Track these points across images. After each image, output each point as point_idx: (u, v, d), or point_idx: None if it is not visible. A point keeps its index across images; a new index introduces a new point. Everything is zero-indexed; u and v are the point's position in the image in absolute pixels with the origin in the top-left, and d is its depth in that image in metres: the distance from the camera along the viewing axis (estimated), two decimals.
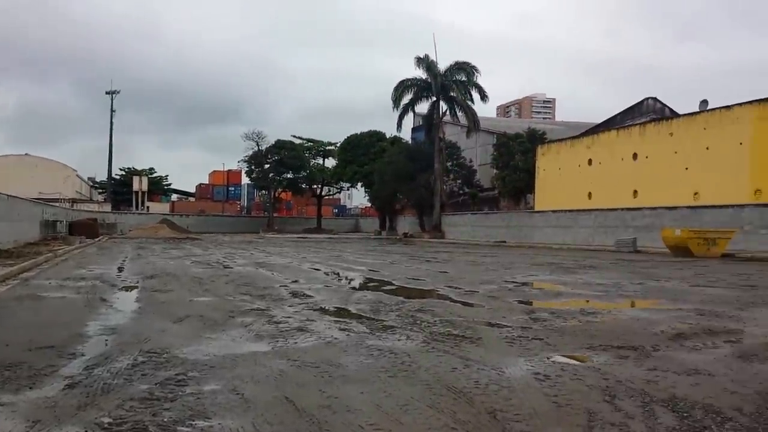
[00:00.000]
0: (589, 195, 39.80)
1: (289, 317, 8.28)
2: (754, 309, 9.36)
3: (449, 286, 12.68)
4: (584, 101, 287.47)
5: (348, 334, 7.04)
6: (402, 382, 5.03)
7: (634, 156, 36.88)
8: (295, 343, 6.57)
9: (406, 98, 53.54)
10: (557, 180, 43.08)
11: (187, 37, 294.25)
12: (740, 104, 31.00)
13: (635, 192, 36.37)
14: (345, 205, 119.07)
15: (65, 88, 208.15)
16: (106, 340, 6.79)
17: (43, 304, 9.96)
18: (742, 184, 29.93)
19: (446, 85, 52.02)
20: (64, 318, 8.44)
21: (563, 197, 41.33)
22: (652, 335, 7.08)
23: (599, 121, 49.23)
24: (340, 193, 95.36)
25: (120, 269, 17.46)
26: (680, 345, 6.55)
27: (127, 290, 11.94)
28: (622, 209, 36.00)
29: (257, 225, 76.24)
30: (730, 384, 5.02)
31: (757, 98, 30.13)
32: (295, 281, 13.71)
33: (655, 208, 33.62)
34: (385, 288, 12.49)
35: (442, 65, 52.46)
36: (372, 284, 13.45)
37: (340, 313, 8.85)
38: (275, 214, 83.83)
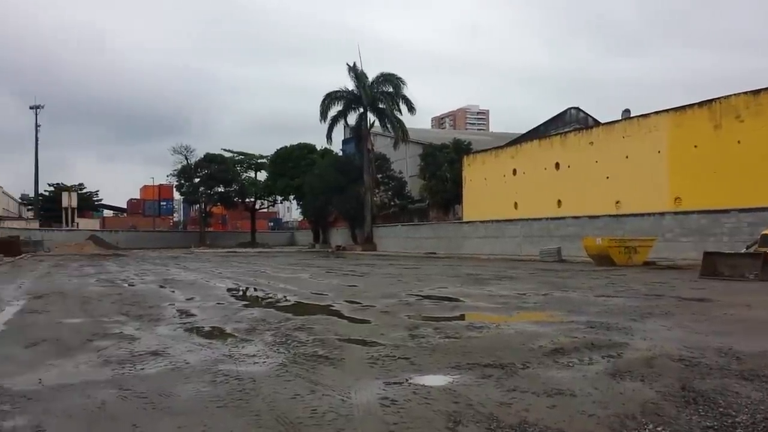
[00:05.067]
0: (515, 205, 39.94)
1: (152, 340, 7.72)
2: (648, 320, 9.15)
3: (349, 301, 12.25)
4: (521, 112, 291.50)
5: (203, 358, 6.52)
6: (230, 413, 4.56)
7: (557, 165, 37.14)
8: (141, 369, 6.05)
9: (335, 110, 53.19)
10: (484, 190, 43.17)
11: (130, 48, 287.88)
12: (657, 112, 31.45)
13: (559, 201, 36.61)
14: (281, 219, 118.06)
15: (7, 103, 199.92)
16: None
17: None
18: (662, 191, 30.34)
19: (374, 97, 51.87)
20: None
21: (490, 207, 41.38)
22: (528, 351, 6.76)
23: None
24: (274, 206, 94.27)
25: (17, 288, 16.66)
26: (554, 361, 6.23)
27: (2, 312, 11.21)
28: (547, 219, 36.18)
29: (190, 240, 74.51)
30: (590, 405, 4.69)
31: (674, 106, 30.66)
32: (190, 299, 13.13)
33: (578, 218, 33.87)
34: (279, 304, 12.02)
35: (373, 77, 52.44)
36: (268, 300, 12.95)
37: (212, 333, 8.34)
38: (209, 229, 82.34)
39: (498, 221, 39.93)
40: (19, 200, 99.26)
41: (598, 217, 32.74)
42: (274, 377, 5.65)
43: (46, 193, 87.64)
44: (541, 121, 49.42)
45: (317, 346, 7.15)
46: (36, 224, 74.22)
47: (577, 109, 48.71)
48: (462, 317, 10.03)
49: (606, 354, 6.59)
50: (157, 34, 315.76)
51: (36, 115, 79.27)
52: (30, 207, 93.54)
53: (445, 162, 48.90)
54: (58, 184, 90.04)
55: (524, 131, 50.71)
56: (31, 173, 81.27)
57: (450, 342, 7.38)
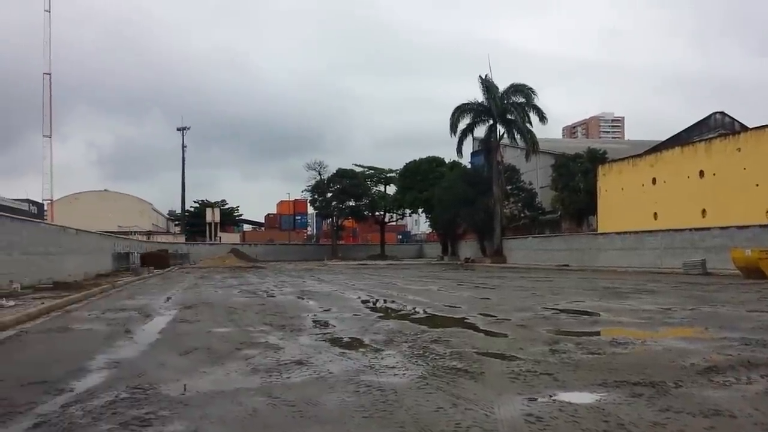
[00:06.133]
0: (655, 215, 38.27)
1: (296, 349, 7.97)
2: None
3: (482, 314, 12.13)
4: (659, 119, 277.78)
5: (345, 369, 6.66)
6: (375, 423, 4.63)
7: (701, 173, 35.29)
8: (288, 378, 6.26)
9: (464, 122, 52.96)
10: (620, 200, 41.64)
11: (270, 68, 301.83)
12: None
13: (704, 211, 34.75)
14: (410, 231, 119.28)
15: (160, 125, 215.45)
16: (103, 374, 6.70)
17: (66, 337, 9.98)
18: None
19: (504, 108, 51.21)
20: (76, 351, 8.38)
21: (627, 218, 39.83)
22: (679, 369, 6.43)
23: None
24: (402, 219, 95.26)
25: (168, 299, 17.64)
26: (708, 380, 5.91)
27: (156, 321, 11.91)
28: (690, 230, 34.29)
29: (323, 252, 76.40)
30: (751, 427, 4.42)
31: None
32: (327, 310, 13.45)
33: (725, 228, 31.90)
34: (413, 316, 12.07)
35: (502, 87, 51.88)
36: (402, 312, 13.03)
37: (352, 344, 8.50)
38: (341, 242, 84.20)
39: (636, 232, 38.28)
40: (167, 216, 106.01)
41: (747, 227, 30.68)
42: (415, 389, 5.67)
43: (192, 209, 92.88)
44: (681, 128, 47.16)
45: (455, 359, 7.14)
46: (182, 238, 78.78)
47: (723, 113, 46.04)
48: (604, 332, 9.67)
49: (765, 373, 6.21)
50: (294, 54, 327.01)
51: (183, 136, 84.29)
52: (177, 222, 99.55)
53: (579, 172, 47.60)
54: (202, 200, 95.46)
55: (663, 138, 48.49)
56: (178, 190, 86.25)
57: (594, 358, 7.14)
